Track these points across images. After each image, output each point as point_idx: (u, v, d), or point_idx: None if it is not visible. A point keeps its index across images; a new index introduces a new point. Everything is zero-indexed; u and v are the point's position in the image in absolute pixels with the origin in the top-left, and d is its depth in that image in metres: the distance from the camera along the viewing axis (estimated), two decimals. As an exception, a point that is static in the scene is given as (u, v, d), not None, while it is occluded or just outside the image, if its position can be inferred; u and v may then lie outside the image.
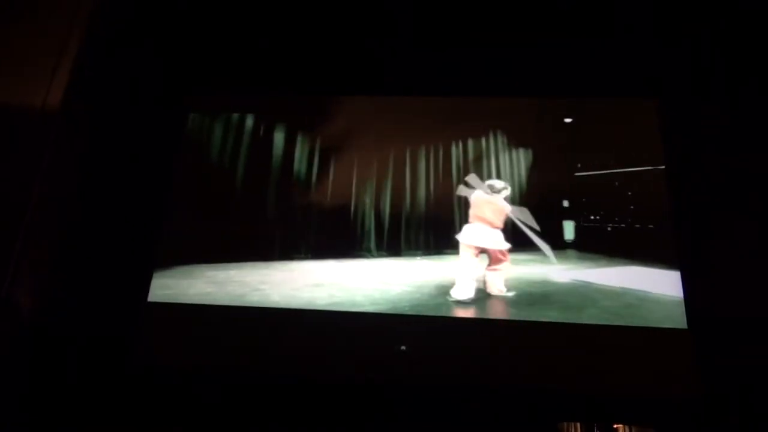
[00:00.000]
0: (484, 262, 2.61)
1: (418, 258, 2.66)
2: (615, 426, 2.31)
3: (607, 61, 2.72)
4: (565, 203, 2.59)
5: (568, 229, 2.56)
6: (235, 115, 2.89)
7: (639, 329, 2.28)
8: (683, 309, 2.30)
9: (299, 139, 2.83)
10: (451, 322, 2.39)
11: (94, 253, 2.52)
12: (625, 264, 2.50)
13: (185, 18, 2.88)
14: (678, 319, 2.28)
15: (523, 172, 2.68)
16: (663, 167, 2.53)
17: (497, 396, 2.25)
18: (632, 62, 2.71)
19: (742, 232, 2.33)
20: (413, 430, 2.32)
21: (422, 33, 2.84)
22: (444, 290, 2.53)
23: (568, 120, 2.72)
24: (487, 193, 2.60)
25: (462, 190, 2.64)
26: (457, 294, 2.49)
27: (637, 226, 2.49)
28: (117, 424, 2.29)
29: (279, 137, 2.84)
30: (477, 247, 2.58)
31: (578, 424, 2.36)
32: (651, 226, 2.47)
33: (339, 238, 2.67)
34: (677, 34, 2.69)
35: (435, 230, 2.67)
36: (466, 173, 2.70)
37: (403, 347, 2.33)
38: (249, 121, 2.88)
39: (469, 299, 2.48)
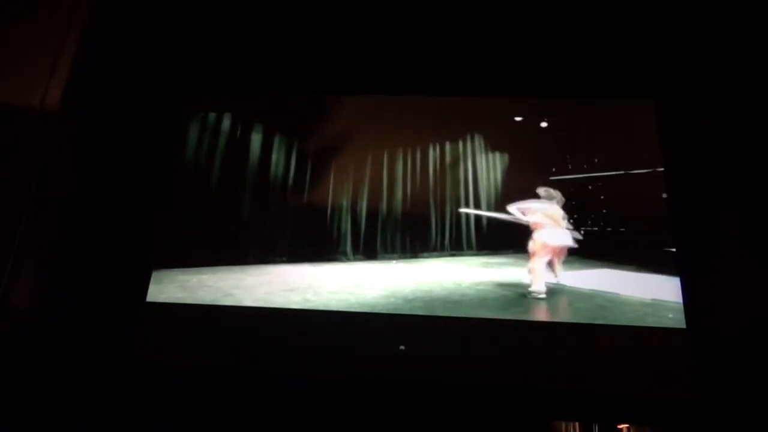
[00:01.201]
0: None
1: (394, 262, 2.65)
2: (619, 426, 2.31)
3: (603, 61, 2.71)
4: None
5: None
6: (215, 116, 2.87)
7: (638, 329, 2.28)
8: (652, 310, 2.31)
9: (276, 141, 2.83)
10: (451, 322, 2.38)
11: (93, 253, 2.52)
12: (597, 266, 2.52)
13: (185, 18, 2.87)
14: (648, 321, 2.28)
15: (499, 175, 2.69)
16: (641, 171, 2.54)
17: (496, 395, 2.25)
18: (629, 61, 2.70)
19: (742, 232, 2.32)
20: (413, 430, 2.32)
21: (405, 32, 2.82)
22: (419, 294, 2.50)
23: (543, 124, 2.72)
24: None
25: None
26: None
27: (609, 229, 2.52)
28: (116, 423, 2.30)
29: (258, 139, 2.83)
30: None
31: (577, 424, 2.37)
32: (622, 229, 2.50)
33: (315, 242, 2.66)
34: (676, 34, 2.68)
35: (411, 233, 2.67)
36: (443, 176, 2.70)
37: (402, 347, 2.33)
38: (229, 123, 2.87)
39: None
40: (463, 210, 2.61)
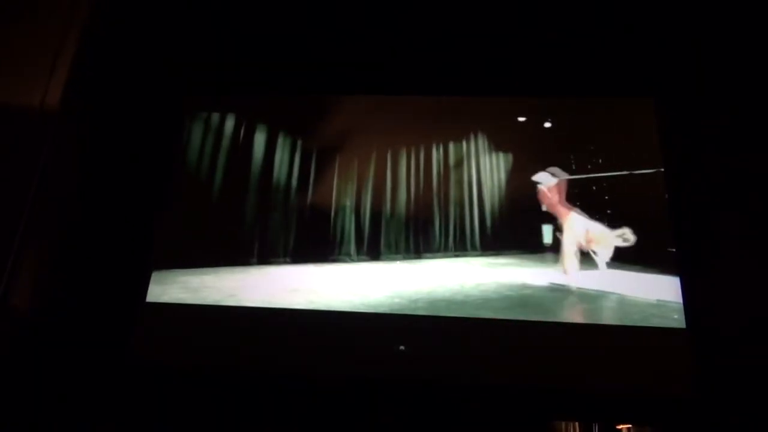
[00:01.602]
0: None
1: (398, 262, 2.64)
2: (619, 426, 2.32)
3: (603, 61, 2.71)
4: (544, 207, 2.60)
5: (547, 233, 2.58)
6: (215, 116, 2.87)
7: (638, 329, 2.28)
8: (658, 311, 2.31)
9: (277, 141, 2.82)
10: (451, 322, 2.38)
11: (93, 253, 2.52)
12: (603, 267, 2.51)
13: (185, 18, 2.87)
14: (653, 321, 2.28)
15: (503, 176, 2.69)
16: (643, 171, 2.54)
17: (496, 395, 2.25)
18: (629, 61, 2.70)
19: (742, 232, 2.32)
20: (413, 430, 2.32)
21: (406, 32, 2.82)
22: (423, 294, 2.49)
23: (547, 125, 2.72)
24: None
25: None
26: None
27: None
28: (116, 423, 2.30)
29: (259, 139, 2.83)
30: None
31: (577, 424, 2.37)
32: (626, 228, 2.48)
33: (318, 242, 2.65)
34: (676, 34, 2.68)
35: (415, 234, 2.66)
36: (447, 176, 2.70)
37: (402, 347, 2.33)
38: (229, 123, 2.86)
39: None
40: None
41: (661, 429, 2.31)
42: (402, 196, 2.71)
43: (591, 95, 2.76)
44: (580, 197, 2.59)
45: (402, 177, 2.74)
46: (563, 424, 2.38)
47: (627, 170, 2.56)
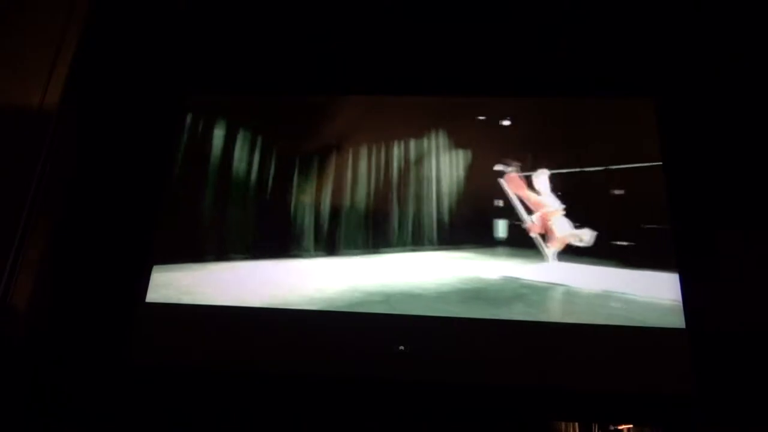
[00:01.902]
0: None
1: (356, 257, 2.64)
2: (620, 427, 2.32)
3: (603, 61, 2.72)
4: (500, 203, 2.62)
5: (502, 228, 2.59)
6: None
7: (637, 329, 2.28)
8: (606, 302, 2.34)
9: (239, 136, 2.82)
10: (450, 323, 2.38)
11: (92, 253, 2.52)
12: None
13: (184, 18, 2.87)
14: (603, 313, 2.32)
15: (461, 172, 2.70)
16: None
17: (496, 395, 2.25)
18: (629, 61, 2.70)
19: (742, 233, 2.33)
20: (413, 430, 2.32)
21: (390, 30, 2.83)
22: (380, 287, 2.50)
23: (506, 122, 2.73)
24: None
25: None
26: None
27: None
28: (116, 423, 2.30)
29: (218, 135, 2.82)
30: None
31: (576, 424, 2.37)
32: (578, 224, 2.53)
33: (276, 238, 2.65)
34: (676, 34, 2.69)
35: (374, 229, 2.66)
36: (408, 172, 2.72)
37: (401, 347, 2.33)
38: (188, 119, 2.85)
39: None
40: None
41: (661, 429, 2.32)
42: (362, 191, 2.71)
43: (591, 95, 2.76)
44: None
45: (363, 173, 2.73)
46: (563, 424, 2.38)
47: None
